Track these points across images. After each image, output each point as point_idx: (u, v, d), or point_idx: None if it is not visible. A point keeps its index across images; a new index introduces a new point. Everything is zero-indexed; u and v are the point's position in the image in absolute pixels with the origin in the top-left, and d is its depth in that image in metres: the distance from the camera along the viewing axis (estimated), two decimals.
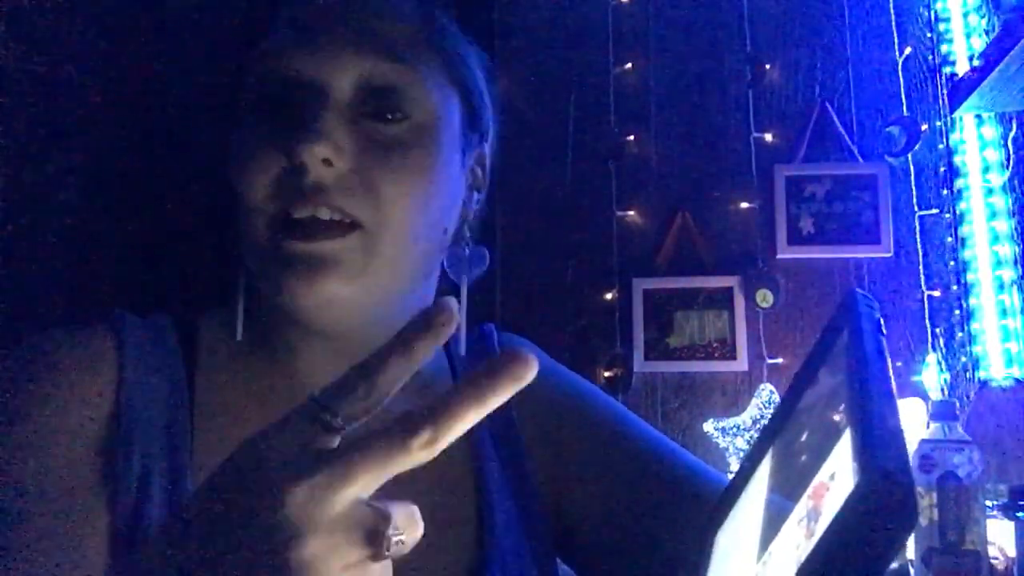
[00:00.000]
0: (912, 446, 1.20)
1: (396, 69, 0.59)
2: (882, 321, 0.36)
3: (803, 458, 0.33)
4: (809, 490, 0.29)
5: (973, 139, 1.93)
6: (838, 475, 0.27)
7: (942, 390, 1.87)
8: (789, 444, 0.36)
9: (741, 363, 1.97)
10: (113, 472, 0.55)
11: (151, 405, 0.58)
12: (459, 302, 0.69)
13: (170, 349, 0.62)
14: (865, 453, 0.25)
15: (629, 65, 2.11)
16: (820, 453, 0.30)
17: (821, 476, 0.29)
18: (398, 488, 0.62)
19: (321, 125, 0.56)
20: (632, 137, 2.08)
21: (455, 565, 0.61)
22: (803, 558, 0.25)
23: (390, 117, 0.59)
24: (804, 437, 0.34)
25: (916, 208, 1.96)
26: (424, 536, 0.61)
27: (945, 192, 1.96)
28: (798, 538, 0.27)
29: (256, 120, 0.59)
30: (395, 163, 0.58)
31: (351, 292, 0.57)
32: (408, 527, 0.38)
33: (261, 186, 0.57)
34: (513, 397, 0.70)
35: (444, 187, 0.62)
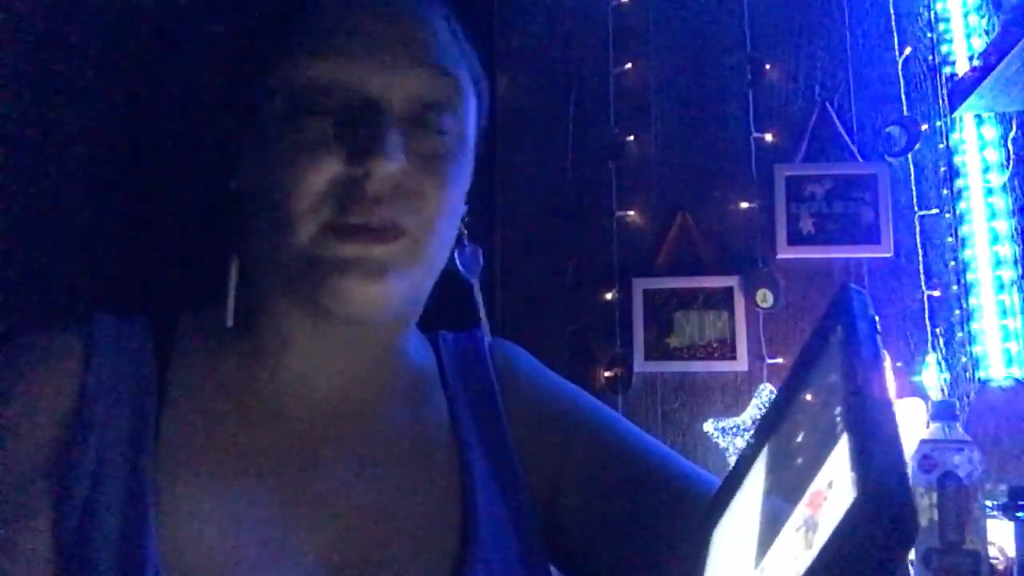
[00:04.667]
0: (912, 446, 1.20)
1: (444, 83, 0.62)
2: (876, 319, 0.35)
3: (799, 460, 0.32)
4: (806, 497, 0.29)
5: (973, 139, 1.92)
6: (836, 484, 0.27)
7: (942, 390, 1.87)
8: (785, 443, 0.36)
9: (741, 363, 1.97)
10: (67, 469, 0.56)
11: (115, 403, 0.59)
12: (476, 301, 0.72)
13: (142, 349, 0.63)
14: (863, 465, 0.25)
15: (629, 65, 2.10)
16: (817, 457, 0.29)
17: (819, 483, 0.28)
18: (382, 488, 0.62)
19: (389, 139, 0.58)
20: (632, 137, 2.08)
21: (438, 566, 0.61)
22: (801, 572, 0.25)
23: (437, 130, 0.61)
24: (800, 438, 0.34)
25: (916, 208, 1.96)
26: (407, 537, 0.61)
27: (945, 192, 1.96)
28: (796, 548, 0.27)
29: (305, 126, 0.59)
30: (439, 175, 0.61)
31: (396, 292, 0.59)
32: None
33: (313, 191, 0.58)
34: (503, 401, 0.70)
35: (466, 192, 0.66)
